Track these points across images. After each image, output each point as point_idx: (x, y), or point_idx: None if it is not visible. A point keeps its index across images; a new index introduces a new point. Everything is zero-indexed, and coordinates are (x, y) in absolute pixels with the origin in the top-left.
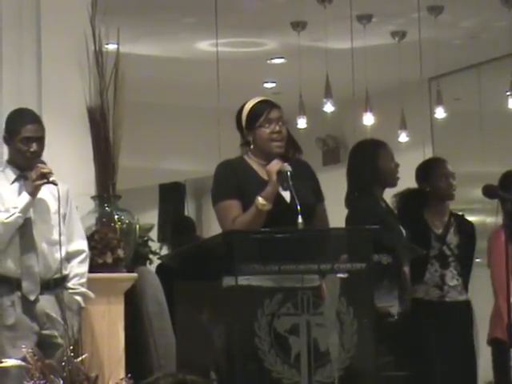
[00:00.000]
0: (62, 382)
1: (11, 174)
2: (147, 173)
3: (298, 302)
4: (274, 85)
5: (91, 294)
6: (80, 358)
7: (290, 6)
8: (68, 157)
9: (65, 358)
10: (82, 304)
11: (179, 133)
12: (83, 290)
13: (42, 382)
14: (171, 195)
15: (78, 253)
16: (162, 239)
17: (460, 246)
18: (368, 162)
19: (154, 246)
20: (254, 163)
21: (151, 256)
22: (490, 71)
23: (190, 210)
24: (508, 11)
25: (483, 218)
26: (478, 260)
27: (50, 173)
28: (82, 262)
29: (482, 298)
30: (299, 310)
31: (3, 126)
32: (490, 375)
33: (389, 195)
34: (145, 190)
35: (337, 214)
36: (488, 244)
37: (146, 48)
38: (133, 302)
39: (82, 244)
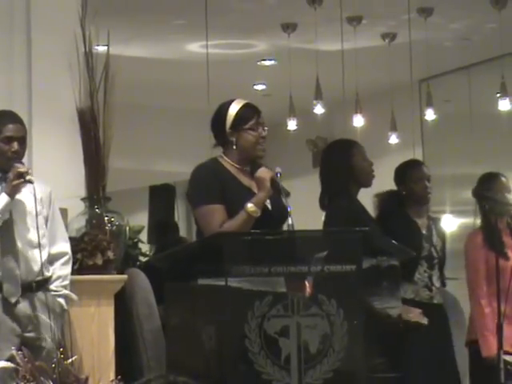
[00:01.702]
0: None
1: None
2: (137, 174)
3: (289, 304)
4: (264, 86)
5: (74, 297)
6: (70, 360)
7: (281, 8)
8: (58, 158)
9: (55, 360)
10: (65, 306)
11: (169, 134)
12: (66, 292)
13: None
14: (161, 197)
15: (60, 255)
16: (151, 241)
17: (442, 249)
18: (343, 162)
19: (144, 247)
20: (230, 167)
21: (141, 257)
22: (481, 73)
23: (179, 212)
24: (498, 13)
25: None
26: None
27: (27, 172)
28: (64, 264)
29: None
30: (289, 312)
31: None
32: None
33: (364, 196)
34: (135, 191)
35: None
36: (465, 247)
37: (136, 50)
38: (123, 303)
39: (64, 246)
